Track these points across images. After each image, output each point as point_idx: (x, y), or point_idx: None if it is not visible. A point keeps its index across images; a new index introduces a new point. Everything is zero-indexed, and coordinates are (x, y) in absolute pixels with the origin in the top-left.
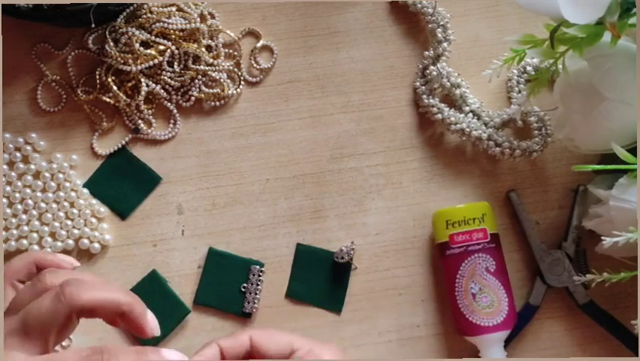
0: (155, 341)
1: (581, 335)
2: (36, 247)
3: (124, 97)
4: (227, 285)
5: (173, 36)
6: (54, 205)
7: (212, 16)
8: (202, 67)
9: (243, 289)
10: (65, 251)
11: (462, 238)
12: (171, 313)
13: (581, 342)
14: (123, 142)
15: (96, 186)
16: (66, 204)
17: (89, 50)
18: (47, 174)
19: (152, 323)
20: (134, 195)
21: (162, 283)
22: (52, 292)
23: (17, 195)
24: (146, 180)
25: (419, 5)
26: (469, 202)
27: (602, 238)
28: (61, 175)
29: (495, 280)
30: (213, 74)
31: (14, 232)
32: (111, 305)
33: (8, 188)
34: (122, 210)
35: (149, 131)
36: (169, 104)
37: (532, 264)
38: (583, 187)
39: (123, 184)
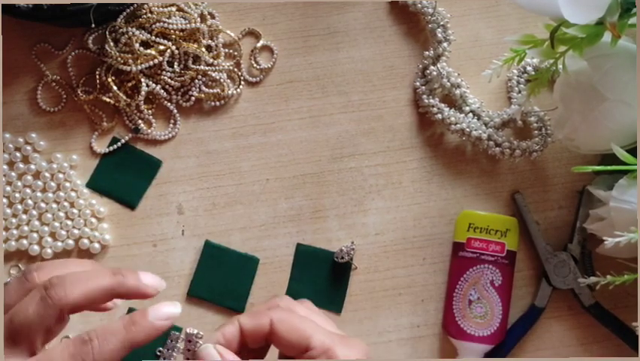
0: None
1: (586, 337)
2: (36, 247)
3: (124, 97)
4: (221, 278)
5: (173, 36)
6: (54, 205)
7: (212, 16)
8: (202, 67)
9: (158, 353)
10: (65, 251)
11: (478, 245)
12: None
13: (586, 344)
14: (123, 141)
15: (99, 182)
16: (66, 204)
17: (89, 50)
18: (47, 174)
19: (151, 282)
20: (138, 183)
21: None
22: (36, 294)
23: (17, 195)
24: (146, 166)
25: (419, 5)
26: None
27: (604, 238)
28: (61, 175)
29: (496, 295)
30: (213, 74)
31: (14, 232)
32: (101, 294)
33: (8, 188)
34: (130, 200)
35: (149, 131)
36: (169, 104)
37: (537, 265)
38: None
39: (125, 174)
